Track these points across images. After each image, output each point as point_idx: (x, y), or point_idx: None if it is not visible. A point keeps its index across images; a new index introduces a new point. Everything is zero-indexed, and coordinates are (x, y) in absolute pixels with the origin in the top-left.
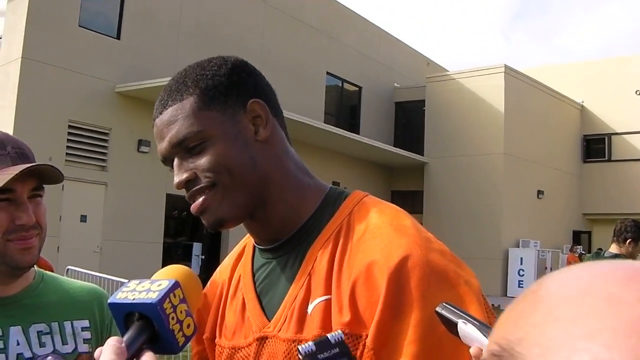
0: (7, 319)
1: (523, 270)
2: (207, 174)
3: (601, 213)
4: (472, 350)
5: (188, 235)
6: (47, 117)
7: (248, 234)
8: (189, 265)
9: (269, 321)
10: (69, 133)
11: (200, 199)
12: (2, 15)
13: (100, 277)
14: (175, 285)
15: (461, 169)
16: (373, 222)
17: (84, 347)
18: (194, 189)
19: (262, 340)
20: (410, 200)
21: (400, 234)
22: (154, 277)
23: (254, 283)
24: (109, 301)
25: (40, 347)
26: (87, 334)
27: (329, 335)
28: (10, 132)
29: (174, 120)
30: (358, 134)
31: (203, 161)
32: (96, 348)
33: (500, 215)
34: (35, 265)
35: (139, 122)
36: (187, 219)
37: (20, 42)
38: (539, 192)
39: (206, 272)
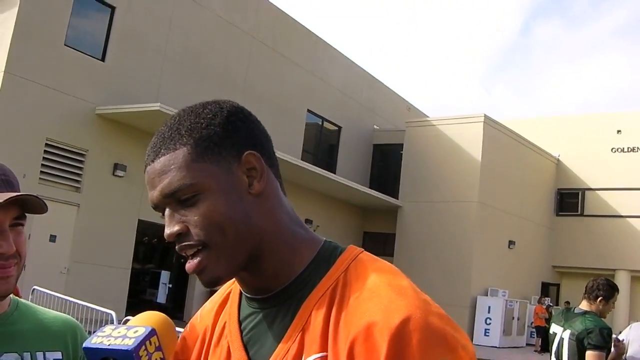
0: None
1: (490, 319)
2: (198, 232)
3: (571, 266)
4: None
5: (157, 263)
6: (24, 133)
7: (232, 280)
8: (155, 294)
9: None
10: (45, 151)
11: (196, 261)
12: None
13: (65, 299)
14: (152, 332)
15: (435, 215)
16: (371, 281)
17: None
18: (185, 243)
19: None
20: (382, 242)
21: (399, 295)
22: (130, 323)
23: (241, 332)
24: (84, 345)
25: None
26: None
27: None
28: None
29: (166, 170)
30: (335, 173)
31: (195, 216)
32: None
33: (470, 263)
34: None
35: (116, 145)
36: (157, 246)
37: (5, 56)
38: (510, 242)
39: (173, 301)
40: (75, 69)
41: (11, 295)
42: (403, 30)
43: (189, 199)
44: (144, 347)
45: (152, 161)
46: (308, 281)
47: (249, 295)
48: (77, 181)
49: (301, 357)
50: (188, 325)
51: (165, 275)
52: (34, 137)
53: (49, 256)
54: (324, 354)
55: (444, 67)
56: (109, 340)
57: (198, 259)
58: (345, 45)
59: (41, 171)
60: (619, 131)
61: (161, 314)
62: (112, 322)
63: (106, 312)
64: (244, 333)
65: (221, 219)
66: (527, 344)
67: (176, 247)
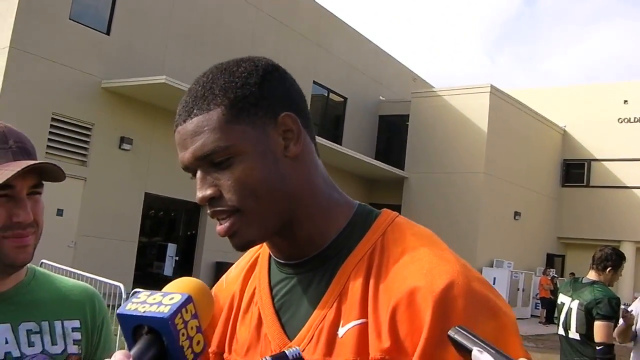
0: None
1: None
2: (231, 197)
3: (576, 238)
4: None
5: (163, 236)
6: (30, 107)
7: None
8: (162, 266)
9: (290, 340)
10: (52, 125)
11: (227, 223)
12: None
13: (73, 272)
14: (188, 300)
15: (440, 186)
16: (410, 246)
17: (73, 348)
18: (217, 208)
19: None
20: None
21: (441, 260)
22: (165, 289)
23: (272, 298)
24: (118, 312)
25: (29, 346)
26: (77, 335)
27: (286, 352)
28: None
29: (199, 131)
30: (340, 144)
31: (229, 180)
32: (86, 349)
33: (476, 234)
34: None
35: (122, 119)
36: (163, 219)
37: (9, 31)
38: (516, 214)
39: (179, 274)
40: (80, 43)
41: (28, 265)
42: (408, 1)
43: (223, 161)
44: (179, 314)
45: (184, 121)
46: (344, 246)
47: (281, 261)
48: (84, 155)
49: (339, 324)
50: (212, 291)
51: (171, 248)
52: (40, 112)
53: (56, 230)
54: (364, 320)
55: (448, 37)
56: (144, 307)
57: (229, 222)
58: (351, 16)
59: (48, 145)
60: (625, 101)
61: (198, 280)
62: (120, 295)
63: (114, 285)
64: (275, 299)
65: (256, 183)
66: (532, 315)
67: (208, 211)
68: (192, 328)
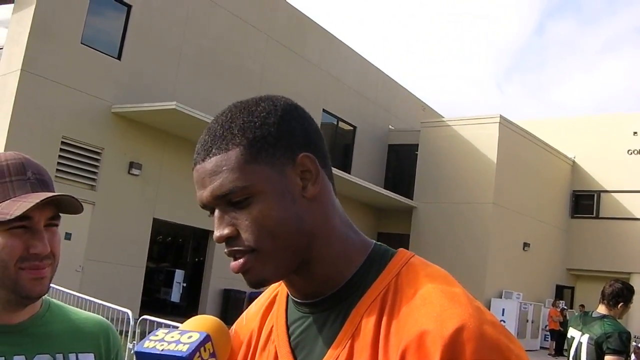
0: (12, 347)
1: (504, 322)
2: (248, 237)
3: (585, 269)
4: None
5: (171, 262)
6: (41, 131)
7: (279, 282)
8: (169, 292)
9: None
10: (61, 149)
11: (242, 260)
12: (5, 26)
13: (80, 297)
14: (207, 338)
15: (449, 216)
16: (423, 287)
17: None
18: (234, 248)
19: None
20: (396, 243)
21: (452, 303)
22: (182, 327)
23: (289, 337)
24: (136, 349)
25: None
26: None
27: None
28: (3, 143)
29: (218, 171)
30: (349, 173)
31: (246, 220)
32: None
33: (485, 265)
34: None
35: (132, 144)
36: (171, 245)
37: (21, 54)
38: (525, 244)
39: (187, 300)
40: (91, 67)
41: (43, 296)
42: (418, 31)
43: (241, 201)
44: (198, 353)
45: (203, 160)
46: (359, 286)
47: (297, 300)
48: (93, 179)
49: None
50: (232, 328)
51: (179, 274)
52: (50, 135)
53: (64, 254)
54: None
55: (458, 67)
56: (162, 344)
57: (244, 259)
58: (360, 44)
59: (57, 169)
60: (635, 133)
61: (215, 318)
62: (127, 321)
63: (122, 311)
64: (292, 338)
65: (273, 224)
66: (541, 347)
67: (225, 250)
68: None
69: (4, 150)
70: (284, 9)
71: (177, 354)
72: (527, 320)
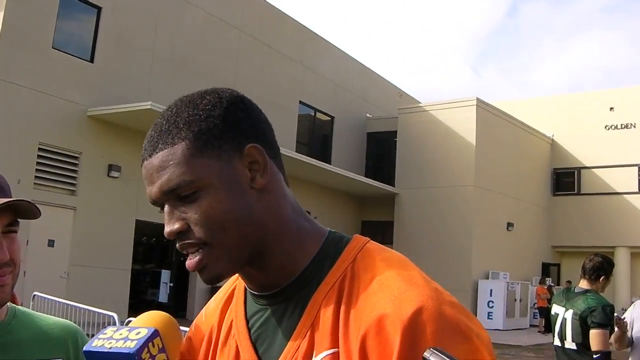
0: None
1: (492, 302)
2: (199, 230)
3: (570, 245)
4: None
5: (157, 262)
6: (17, 139)
7: (236, 276)
8: (157, 293)
9: None
10: (39, 156)
11: (196, 259)
12: None
13: (66, 304)
14: (155, 334)
15: (432, 200)
16: (380, 272)
17: None
18: (186, 242)
19: None
20: (380, 230)
21: (410, 285)
22: (132, 324)
23: (249, 330)
24: (84, 349)
25: None
26: None
27: None
28: None
29: (164, 166)
30: (330, 163)
31: (196, 213)
32: None
33: (470, 247)
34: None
35: (109, 146)
36: (155, 245)
37: None
38: (509, 225)
39: (174, 300)
40: (64, 71)
41: (8, 304)
42: (390, 17)
43: (189, 195)
44: (146, 349)
45: (150, 156)
46: (315, 275)
47: (255, 292)
48: (73, 184)
49: (312, 354)
50: (193, 325)
51: (165, 275)
52: (27, 142)
53: (48, 261)
54: (335, 350)
55: (432, 52)
56: (110, 342)
57: (198, 257)
58: (334, 35)
59: (36, 176)
60: (611, 108)
61: (164, 313)
62: (114, 325)
63: (108, 315)
64: (252, 331)
65: (223, 216)
66: (531, 325)
67: (177, 245)
68: None
69: None
70: (256, 4)
71: (124, 351)
72: (515, 300)
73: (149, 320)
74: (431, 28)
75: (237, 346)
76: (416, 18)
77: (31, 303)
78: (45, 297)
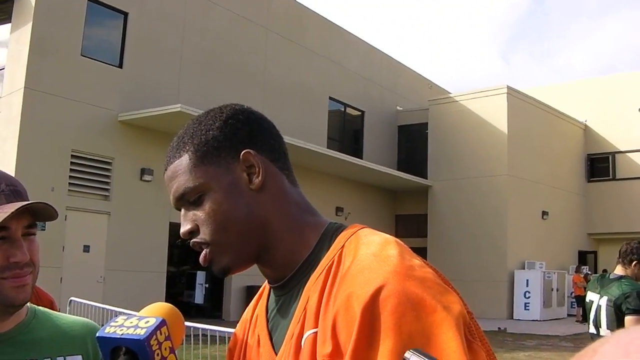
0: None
1: (529, 292)
2: (205, 230)
3: (606, 232)
4: None
5: (192, 264)
6: (49, 147)
7: None
8: (193, 295)
9: (276, 355)
10: (72, 163)
11: (204, 253)
12: (5, 46)
13: (103, 308)
14: (162, 323)
15: (465, 191)
16: (359, 254)
17: None
18: (194, 241)
19: None
20: (414, 223)
21: (381, 264)
22: (140, 314)
23: (267, 320)
24: (97, 334)
25: None
26: None
27: None
28: (14, 162)
29: (174, 176)
30: (361, 158)
31: (202, 215)
32: None
33: (505, 237)
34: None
35: (141, 150)
36: (190, 248)
37: (23, 72)
38: (544, 213)
39: (210, 301)
40: (94, 78)
41: (28, 304)
42: (416, 8)
43: (196, 200)
44: (154, 336)
45: (166, 169)
46: (313, 263)
47: (272, 286)
48: (106, 189)
49: (303, 335)
50: (239, 321)
51: (201, 276)
52: (59, 150)
53: (84, 266)
54: (316, 329)
55: (460, 41)
56: (122, 329)
57: (205, 252)
58: (360, 28)
59: (69, 182)
60: None
61: (169, 304)
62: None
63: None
64: (269, 320)
65: (223, 216)
66: (569, 315)
67: (190, 243)
68: (165, 349)
69: (15, 169)
70: (281, 1)
71: (135, 337)
72: (552, 289)
73: (157, 311)
74: (458, 16)
75: (258, 335)
76: (442, 7)
77: (68, 308)
78: (81, 302)
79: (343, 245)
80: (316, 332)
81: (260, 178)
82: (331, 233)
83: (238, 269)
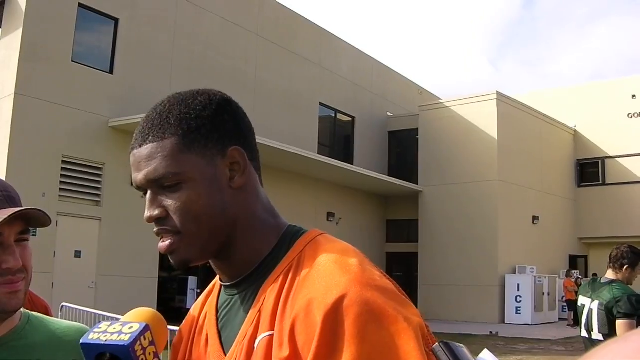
0: None
1: (520, 297)
2: (176, 219)
3: (597, 237)
4: None
5: (183, 269)
6: (40, 152)
7: None
8: (184, 300)
9: (225, 355)
10: (63, 168)
11: (167, 242)
12: None
13: (95, 313)
14: (146, 328)
15: (456, 197)
16: (319, 261)
17: None
18: (162, 228)
19: None
20: (405, 229)
21: (342, 272)
22: (123, 319)
23: (217, 319)
24: (81, 341)
25: None
26: None
27: None
28: (4, 168)
29: (153, 156)
30: (352, 164)
31: (175, 203)
32: None
33: (496, 242)
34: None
35: None
36: None
37: (14, 78)
38: (534, 218)
39: None
40: (84, 84)
41: (22, 310)
42: (406, 14)
43: (172, 186)
44: (138, 342)
45: (140, 146)
46: (270, 265)
47: (224, 284)
48: (97, 195)
49: (256, 337)
50: (185, 318)
51: (192, 281)
52: (50, 156)
53: (76, 272)
54: (272, 332)
55: (450, 48)
56: (105, 336)
57: (170, 241)
58: (350, 34)
59: (60, 188)
60: (633, 96)
61: (152, 309)
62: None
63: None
64: (219, 319)
65: (199, 209)
66: (560, 319)
67: (154, 229)
68: (149, 354)
69: (6, 175)
70: (271, 7)
71: (119, 343)
72: (543, 293)
73: (140, 316)
74: (447, 23)
75: (207, 333)
76: (431, 14)
77: (59, 314)
78: (73, 308)
79: (302, 250)
80: (272, 335)
81: (242, 178)
82: (290, 236)
83: (197, 263)
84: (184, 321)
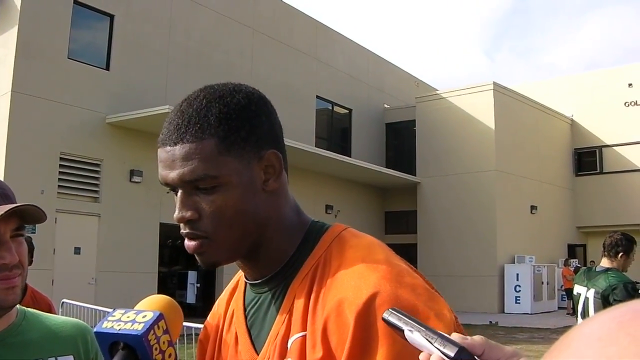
0: None
1: (519, 286)
2: (208, 223)
3: (595, 225)
4: (421, 357)
5: (183, 264)
6: (38, 150)
7: None
8: (184, 295)
9: (257, 354)
10: (61, 165)
11: (196, 243)
12: None
13: (95, 309)
14: (160, 317)
15: (454, 187)
16: (347, 258)
17: None
18: (192, 231)
19: None
20: (404, 220)
21: (371, 270)
22: (137, 307)
23: (245, 317)
24: (95, 330)
25: None
26: None
27: None
28: (2, 166)
29: (190, 157)
30: (350, 156)
31: (209, 206)
32: None
33: (494, 232)
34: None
35: (130, 152)
36: (181, 248)
37: (10, 76)
38: (533, 207)
39: (202, 300)
40: (81, 80)
41: (18, 306)
42: (401, 5)
43: (208, 188)
44: (152, 331)
45: (175, 144)
46: (297, 263)
47: (251, 282)
48: (95, 191)
49: (289, 337)
50: (210, 314)
51: (192, 276)
52: (48, 153)
53: (76, 268)
54: (304, 333)
55: (446, 39)
56: (119, 324)
57: (199, 242)
58: (346, 26)
59: (59, 185)
60: (630, 84)
61: (167, 297)
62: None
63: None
64: (248, 317)
65: (233, 214)
66: (559, 308)
67: (182, 230)
68: (164, 342)
69: (4, 172)
70: (267, 1)
71: (132, 332)
72: (542, 283)
73: (154, 304)
74: (444, 15)
75: (236, 332)
76: (428, 6)
77: (60, 310)
78: (74, 304)
79: (329, 246)
80: (304, 336)
81: (277, 182)
82: (315, 232)
83: (225, 264)
84: (209, 316)
